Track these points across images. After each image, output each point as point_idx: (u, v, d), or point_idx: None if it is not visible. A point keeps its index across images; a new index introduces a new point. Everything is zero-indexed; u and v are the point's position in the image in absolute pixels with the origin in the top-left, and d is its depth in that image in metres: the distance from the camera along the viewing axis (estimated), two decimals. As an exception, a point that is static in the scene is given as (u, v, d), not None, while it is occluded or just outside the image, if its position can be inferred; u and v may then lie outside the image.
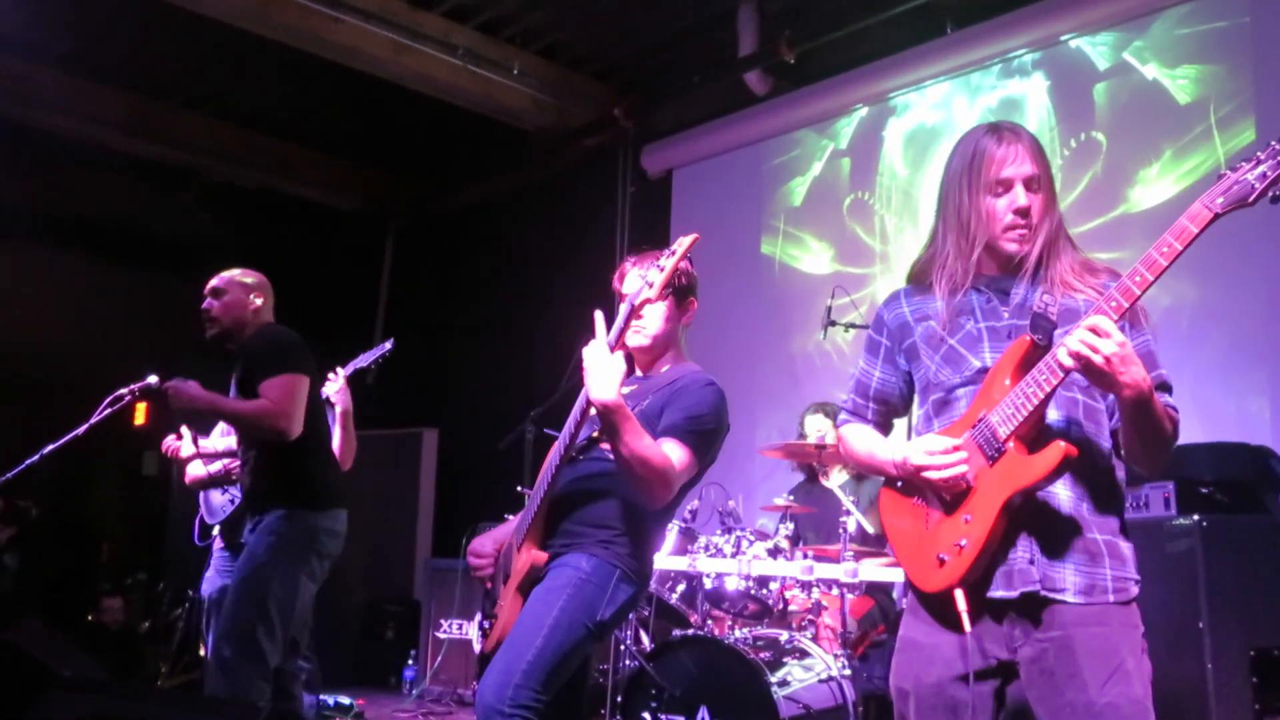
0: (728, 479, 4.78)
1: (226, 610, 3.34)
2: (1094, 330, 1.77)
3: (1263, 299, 4.69)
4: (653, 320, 2.71)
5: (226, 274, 3.79)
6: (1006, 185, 2.04)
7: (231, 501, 4.56)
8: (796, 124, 6.71)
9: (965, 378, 2.04)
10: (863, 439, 2.23)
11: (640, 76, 7.43)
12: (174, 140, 8.10)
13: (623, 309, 2.49)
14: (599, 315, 2.49)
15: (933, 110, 6.08)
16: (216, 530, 4.64)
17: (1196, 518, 3.32)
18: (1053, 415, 1.97)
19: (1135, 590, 1.95)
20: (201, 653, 5.18)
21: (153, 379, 4.53)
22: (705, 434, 2.59)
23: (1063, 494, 1.94)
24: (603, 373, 2.42)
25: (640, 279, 2.47)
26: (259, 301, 3.75)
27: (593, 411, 2.49)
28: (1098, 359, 1.76)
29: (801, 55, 6.30)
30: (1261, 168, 1.69)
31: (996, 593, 1.93)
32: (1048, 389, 1.86)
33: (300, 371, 3.47)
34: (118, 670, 6.11)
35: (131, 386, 4.58)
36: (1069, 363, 1.80)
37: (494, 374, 7.95)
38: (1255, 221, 4.76)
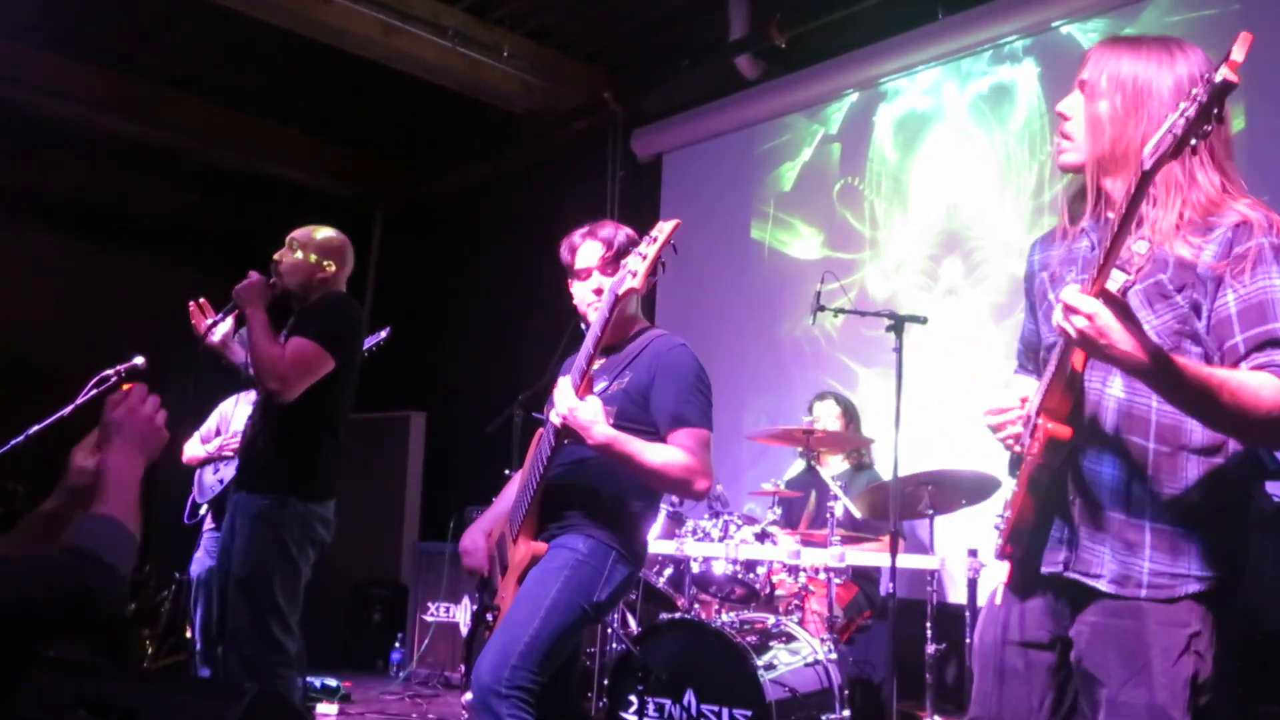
0: (716, 464, 4.76)
1: (236, 610, 3.25)
2: (1065, 305, 1.63)
3: (1249, 287, 4.70)
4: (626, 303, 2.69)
5: (307, 230, 3.63)
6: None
7: (221, 481, 4.55)
8: (787, 109, 6.69)
9: (1057, 338, 1.82)
10: (1010, 388, 2.10)
11: (630, 60, 7.40)
12: (160, 122, 8.02)
13: (605, 299, 2.49)
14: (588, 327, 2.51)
15: (923, 96, 6.07)
16: (205, 509, 4.64)
17: (1182, 504, 3.33)
18: (1112, 387, 1.83)
19: (1191, 587, 1.75)
20: (188, 634, 5.17)
21: (139, 360, 4.51)
22: (705, 407, 2.64)
23: (1106, 473, 1.82)
24: (586, 419, 2.46)
25: (601, 257, 2.48)
26: (331, 269, 3.57)
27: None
28: (1072, 334, 1.63)
29: (792, 40, 6.28)
30: (1185, 112, 1.49)
31: (1044, 568, 1.88)
32: (1058, 361, 1.76)
33: (330, 350, 3.34)
34: (103, 652, 6.09)
35: (118, 367, 4.55)
36: (1059, 336, 1.71)
37: (482, 357, 7.94)
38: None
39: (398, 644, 6.97)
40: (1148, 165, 1.54)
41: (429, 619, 6.66)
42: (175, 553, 5.69)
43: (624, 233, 2.76)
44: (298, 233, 3.62)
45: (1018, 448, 1.87)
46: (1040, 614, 1.92)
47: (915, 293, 5.77)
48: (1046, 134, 5.46)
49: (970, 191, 5.67)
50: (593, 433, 2.46)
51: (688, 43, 6.87)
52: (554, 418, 2.52)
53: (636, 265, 2.41)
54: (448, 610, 6.58)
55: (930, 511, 4.22)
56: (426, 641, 6.64)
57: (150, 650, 6.20)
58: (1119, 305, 1.62)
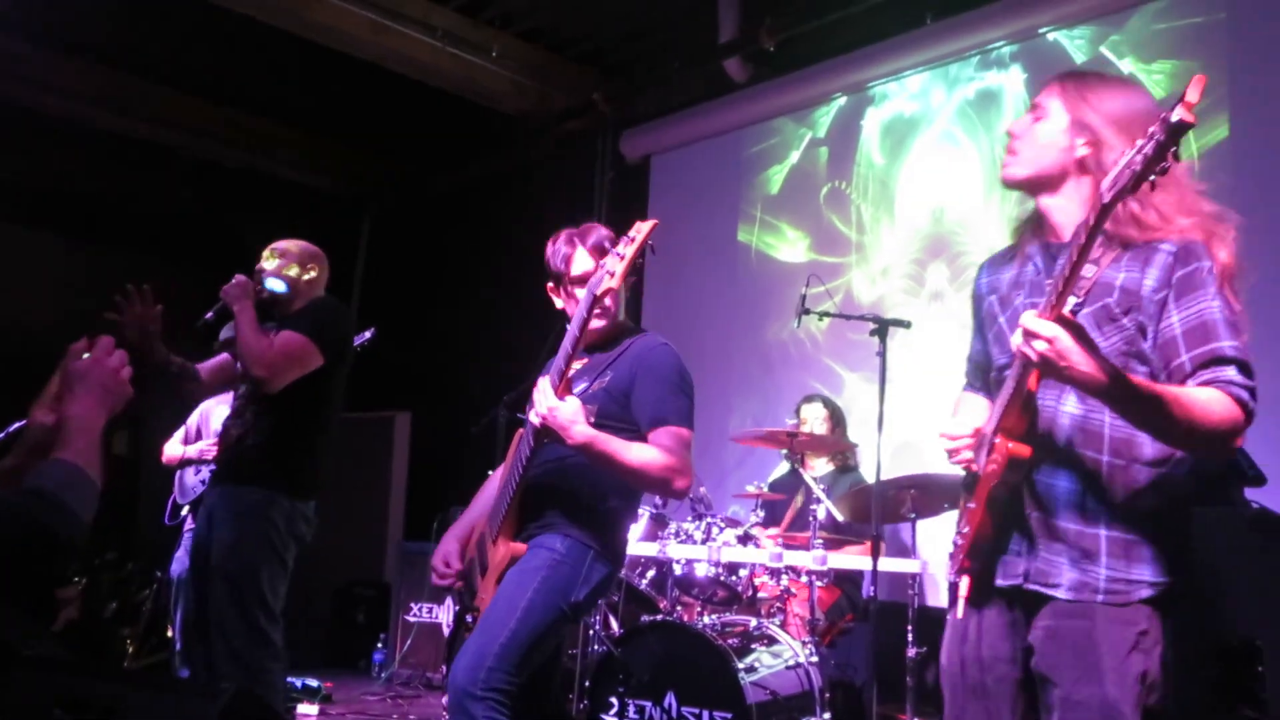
0: (700, 466, 4.78)
1: (222, 604, 3.24)
2: (1024, 331, 1.72)
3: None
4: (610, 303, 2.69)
5: (284, 241, 3.68)
6: None
7: (203, 483, 4.54)
8: (775, 112, 6.70)
9: (1010, 360, 1.92)
10: (963, 406, 2.22)
11: (620, 62, 7.41)
12: (153, 117, 8.01)
13: (584, 300, 2.49)
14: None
15: (910, 101, 6.09)
16: (187, 510, 4.62)
17: (1161, 510, 3.35)
18: (1067, 405, 1.90)
19: (1143, 593, 1.84)
20: (169, 634, 5.16)
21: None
22: (686, 406, 2.64)
23: (1063, 487, 1.89)
24: (565, 419, 2.45)
25: (596, 263, 2.49)
26: (313, 272, 3.64)
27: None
28: (1033, 357, 1.71)
29: (781, 43, 6.30)
30: (1143, 150, 1.58)
31: (1000, 582, 1.94)
32: (1016, 381, 1.83)
33: (319, 346, 3.37)
34: (82, 652, 6.07)
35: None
36: (1020, 359, 1.78)
37: (468, 358, 7.93)
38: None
39: (380, 644, 6.95)
40: (1107, 198, 1.62)
41: (412, 619, 6.65)
42: (156, 552, 5.67)
43: (603, 233, 2.77)
44: (277, 244, 3.67)
45: (975, 467, 1.94)
46: (1002, 629, 1.96)
47: (901, 297, 5.79)
48: (1032, 140, 5.47)
49: (956, 196, 5.69)
50: (572, 432, 2.46)
51: (677, 45, 6.88)
52: (533, 418, 2.52)
53: (614, 265, 2.41)
54: (430, 611, 6.57)
55: (912, 515, 4.23)
56: (409, 642, 6.62)
57: (131, 650, 6.18)
58: (1075, 328, 1.71)
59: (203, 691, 2.68)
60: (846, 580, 4.59)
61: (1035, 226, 2.02)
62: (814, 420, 4.96)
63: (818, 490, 4.41)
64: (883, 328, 4.00)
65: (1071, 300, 1.72)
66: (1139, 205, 1.84)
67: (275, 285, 3.52)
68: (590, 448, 2.47)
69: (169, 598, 4.72)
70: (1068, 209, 1.94)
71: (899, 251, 5.89)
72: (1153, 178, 1.58)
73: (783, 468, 5.13)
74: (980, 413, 2.07)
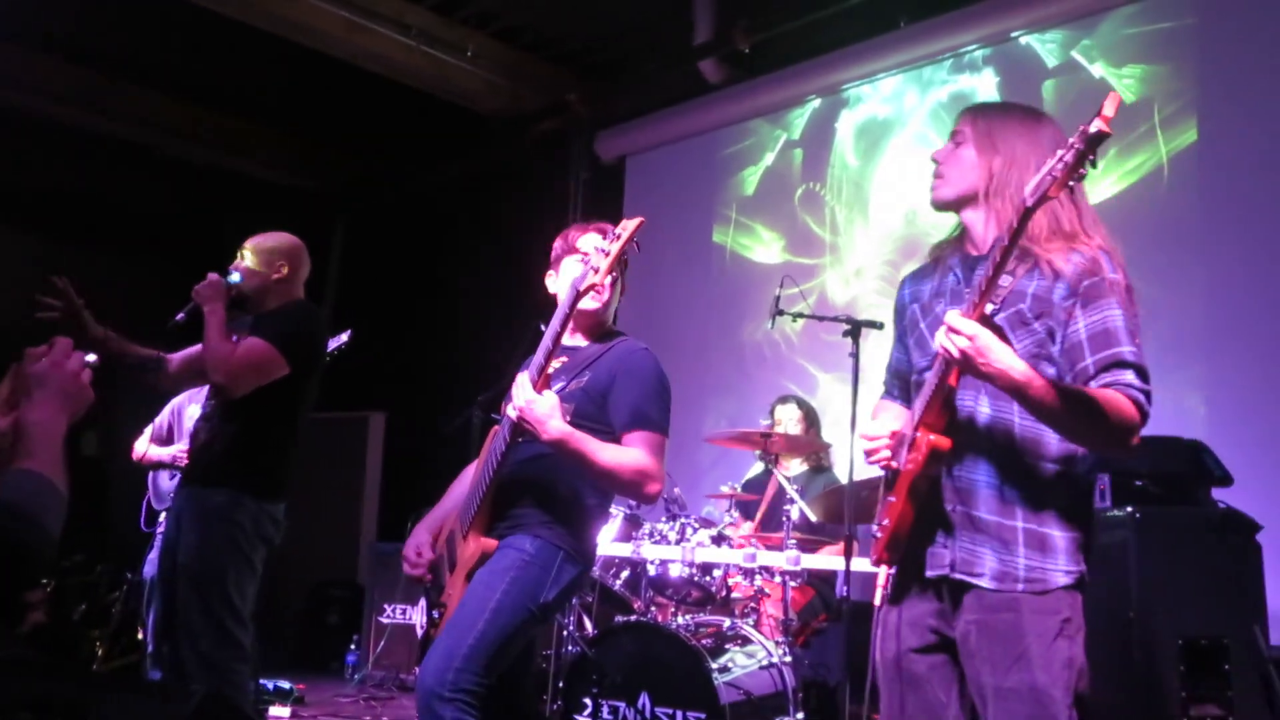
0: (674, 466, 4.78)
1: (189, 606, 3.20)
2: (948, 327, 1.86)
3: (1199, 298, 4.78)
4: (587, 300, 2.65)
5: (260, 236, 3.59)
6: None
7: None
8: (750, 114, 6.73)
9: (929, 363, 2.07)
10: (878, 413, 2.34)
11: (596, 62, 7.41)
12: (125, 116, 7.94)
13: (567, 294, 2.49)
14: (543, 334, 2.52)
15: (884, 103, 6.12)
16: (164, 516, 4.58)
17: (1130, 509, 3.38)
18: (983, 404, 2.03)
19: (1060, 580, 1.96)
20: (140, 636, 5.11)
21: (91, 357, 4.44)
22: (663, 412, 2.64)
23: (982, 481, 2.01)
24: (541, 414, 2.45)
25: (584, 261, 2.49)
26: (285, 270, 3.53)
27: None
28: (955, 353, 1.85)
29: (756, 45, 6.32)
30: (1064, 158, 1.72)
31: (927, 573, 2.05)
32: (938, 378, 1.96)
33: (284, 354, 3.30)
34: (50, 655, 6.01)
35: (72, 365, 4.49)
36: (943, 355, 1.90)
37: (442, 358, 7.91)
38: (1194, 223, 4.87)
39: (353, 645, 6.91)
40: (1030, 202, 1.77)
41: (385, 620, 6.61)
42: (126, 553, 5.62)
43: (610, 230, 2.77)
44: (251, 240, 3.60)
45: (894, 464, 2.07)
46: (928, 618, 2.07)
47: (874, 298, 5.82)
48: (1005, 143, 5.52)
49: (929, 198, 5.71)
50: (547, 427, 2.45)
51: (653, 46, 6.88)
52: (510, 412, 2.51)
53: (599, 261, 2.42)
54: (404, 612, 6.54)
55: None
56: (383, 643, 6.59)
57: (100, 652, 6.12)
58: (995, 328, 1.88)
59: (173, 694, 2.66)
60: (820, 581, 4.60)
61: (956, 241, 2.19)
62: (788, 421, 4.97)
63: (791, 490, 4.42)
64: (856, 329, 4.02)
65: (989, 306, 1.87)
66: (1051, 220, 1.99)
67: (233, 277, 3.48)
68: (564, 445, 2.47)
69: (141, 599, 4.67)
70: (987, 223, 2.10)
71: (872, 253, 5.91)
72: (1071, 184, 1.73)
73: (757, 468, 5.14)
74: (897, 418, 2.21)
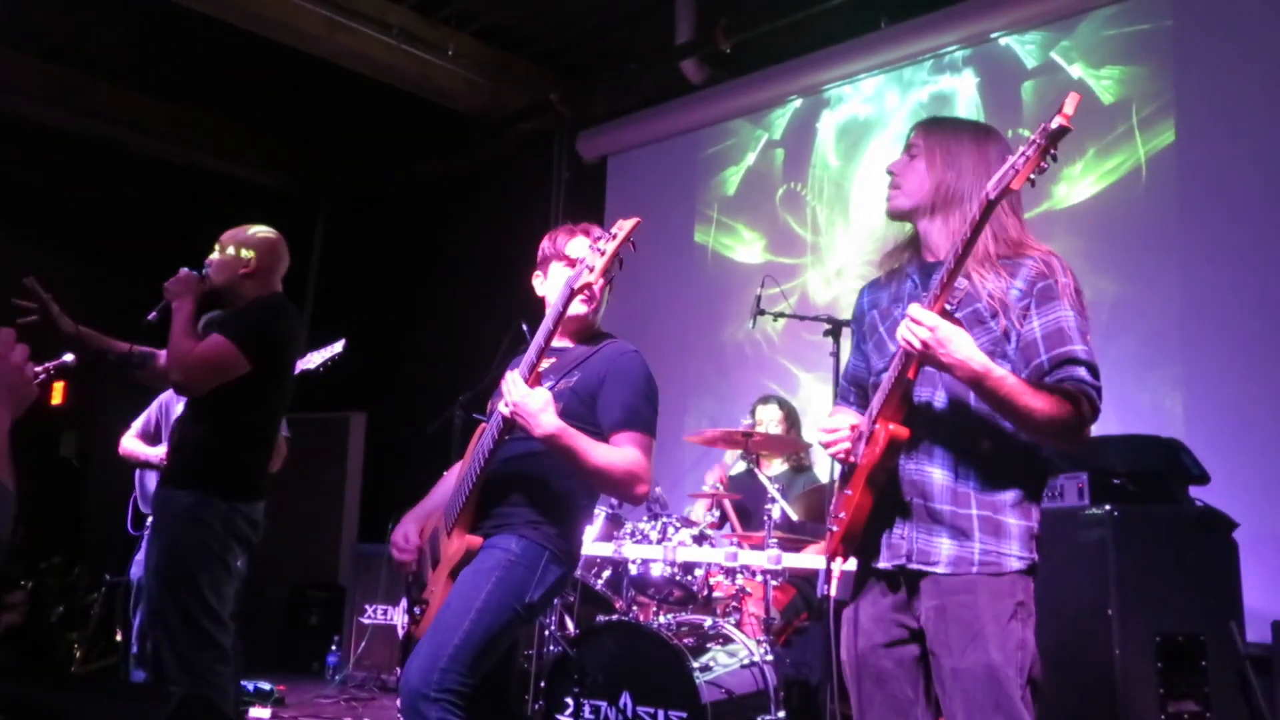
0: (656, 466, 4.77)
1: (165, 610, 3.17)
2: (910, 318, 1.94)
3: (1177, 298, 4.82)
4: (575, 304, 2.64)
5: (236, 229, 3.53)
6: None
7: None
8: (731, 114, 6.73)
9: (887, 364, 2.14)
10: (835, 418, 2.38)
11: (577, 62, 7.40)
12: (98, 113, 7.88)
13: (561, 293, 2.49)
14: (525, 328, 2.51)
15: (865, 104, 6.14)
16: (151, 519, 4.54)
17: (1109, 507, 3.40)
18: (939, 397, 2.11)
19: (1014, 565, 2.03)
20: (118, 638, 5.07)
21: (69, 357, 4.40)
22: (652, 414, 2.65)
23: (936, 472, 2.07)
24: (534, 408, 2.43)
25: (581, 258, 2.48)
26: (253, 261, 3.45)
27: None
28: (916, 344, 1.93)
29: (738, 45, 6.32)
30: (1025, 153, 1.82)
31: (882, 564, 2.10)
32: (898, 371, 2.02)
33: (246, 352, 3.24)
34: (27, 658, 5.96)
35: (47, 365, 4.44)
36: (904, 347, 1.96)
37: (423, 358, 7.88)
38: (1170, 223, 4.90)
39: (334, 646, 6.89)
40: (993, 195, 1.86)
41: (366, 621, 6.60)
42: (105, 555, 5.58)
43: (597, 233, 2.77)
44: (226, 233, 3.55)
45: (853, 459, 2.12)
46: (892, 612, 2.11)
47: (855, 298, 5.82)
48: (985, 143, 5.56)
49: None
50: (540, 421, 2.43)
51: (634, 46, 6.88)
52: (502, 408, 2.50)
53: (594, 260, 2.41)
54: (385, 613, 6.52)
55: (867, 514, 4.25)
56: (364, 644, 6.57)
57: (79, 654, 6.07)
58: (954, 321, 1.97)
59: (151, 696, 2.65)
60: (801, 580, 4.61)
61: (912, 250, 2.27)
62: (769, 421, 4.98)
63: (773, 490, 4.44)
64: (837, 328, 4.03)
65: (947, 305, 1.96)
66: (999, 228, 2.09)
67: (204, 270, 3.45)
68: (557, 440, 2.45)
69: (128, 601, 4.63)
70: (942, 230, 2.18)
71: (853, 253, 5.93)
72: (1033, 177, 1.82)
73: (738, 468, 5.15)
74: (854, 420, 2.26)
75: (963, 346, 1.93)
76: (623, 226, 2.43)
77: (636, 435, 2.57)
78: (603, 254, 2.41)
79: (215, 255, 3.50)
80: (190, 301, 3.31)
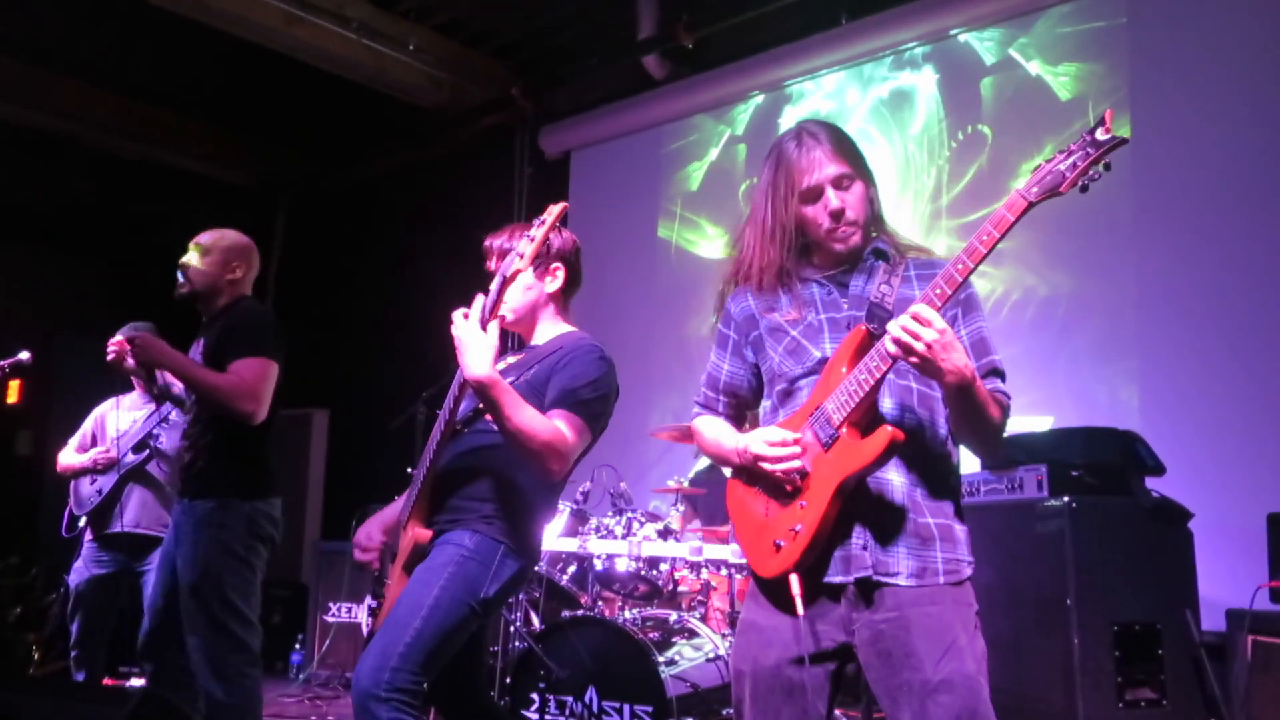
0: (620, 461, 4.80)
1: (193, 616, 3.20)
2: (916, 318, 1.81)
3: (1133, 292, 4.89)
4: (512, 294, 2.64)
5: (215, 232, 3.57)
6: (816, 193, 2.10)
7: (100, 492, 4.40)
8: (694, 109, 6.75)
9: (807, 368, 2.08)
10: (712, 430, 2.26)
11: (539, 56, 7.38)
12: (50, 107, 7.75)
13: (495, 282, 2.48)
14: (479, 297, 2.48)
15: (826, 99, 6.17)
16: (84, 522, 4.48)
17: (1066, 499, 3.45)
18: (886, 404, 2.02)
19: (968, 571, 2.02)
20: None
21: (24, 355, 4.35)
22: (593, 402, 2.59)
23: (895, 480, 2.00)
24: (474, 349, 2.40)
25: (511, 250, 2.49)
26: (239, 272, 3.54)
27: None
28: (919, 346, 1.80)
29: (700, 41, 6.34)
30: (1072, 158, 1.76)
31: (834, 578, 1.98)
32: (877, 375, 1.91)
33: (274, 358, 3.34)
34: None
35: (2, 363, 4.39)
36: (894, 350, 1.83)
37: (385, 354, 7.83)
38: (1126, 218, 4.97)
39: (298, 645, 6.84)
40: (1035, 198, 1.77)
41: (330, 619, 6.55)
42: (63, 557, 5.50)
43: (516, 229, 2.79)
44: (202, 237, 3.56)
45: (797, 478, 1.98)
46: (831, 624, 2.00)
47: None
48: (944, 139, 5.60)
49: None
50: (472, 361, 2.38)
51: (596, 41, 6.87)
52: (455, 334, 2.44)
53: (524, 247, 2.41)
54: (349, 610, 6.48)
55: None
56: (328, 642, 6.53)
57: (36, 655, 5.99)
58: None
59: (108, 696, 2.62)
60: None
61: (795, 259, 2.16)
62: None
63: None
64: (799, 323, 4.05)
65: (923, 308, 1.83)
66: (895, 229, 2.10)
67: (198, 283, 3.51)
68: (485, 389, 2.40)
69: (65, 608, 4.57)
70: (860, 239, 2.15)
71: (816, 248, 5.96)
72: (1084, 182, 1.77)
73: (703, 462, 5.17)
74: (731, 434, 2.20)
75: (961, 352, 1.85)
76: (551, 212, 2.43)
77: (569, 415, 2.53)
78: (533, 240, 2.40)
79: (195, 261, 3.52)
80: (166, 351, 3.34)
